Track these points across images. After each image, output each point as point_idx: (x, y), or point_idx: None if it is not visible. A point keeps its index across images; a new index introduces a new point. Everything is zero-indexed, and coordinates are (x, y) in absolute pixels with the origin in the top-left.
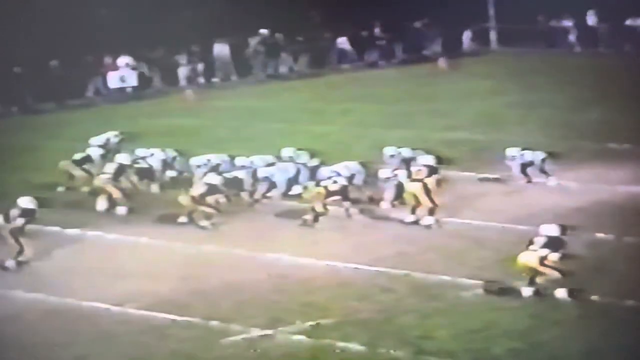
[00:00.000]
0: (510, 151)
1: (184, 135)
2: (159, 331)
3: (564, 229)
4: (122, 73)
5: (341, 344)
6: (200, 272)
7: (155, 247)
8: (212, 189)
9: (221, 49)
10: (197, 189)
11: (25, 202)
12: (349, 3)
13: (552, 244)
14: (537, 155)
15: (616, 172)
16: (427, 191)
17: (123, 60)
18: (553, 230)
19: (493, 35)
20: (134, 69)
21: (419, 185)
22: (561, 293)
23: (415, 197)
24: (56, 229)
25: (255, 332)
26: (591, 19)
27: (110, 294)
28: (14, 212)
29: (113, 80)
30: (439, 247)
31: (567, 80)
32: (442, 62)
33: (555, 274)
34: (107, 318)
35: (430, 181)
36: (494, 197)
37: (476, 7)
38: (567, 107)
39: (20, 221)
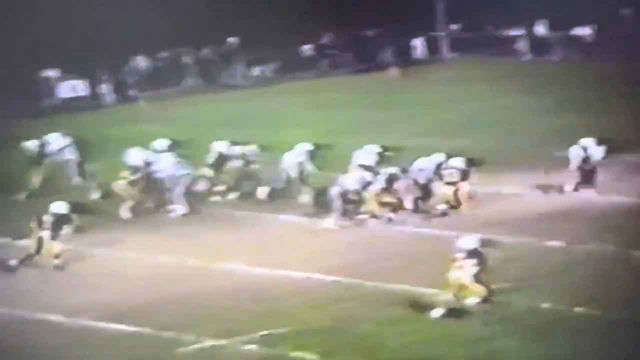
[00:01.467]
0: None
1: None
2: (112, 342)
3: (482, 241)
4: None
5: (294, 354)
6: (153, 283)
7: (109, 258)
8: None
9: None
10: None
11: (59, 207)
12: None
13: (474, 257)
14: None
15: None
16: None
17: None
18: (472, 242)
19: (444, 43)
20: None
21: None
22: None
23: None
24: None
25: (208, 342)
26: (541, 29)
27: (65, 305)
28: (47, 217)
29: (64, 90)
30: (393, 255)
31: (518, 88)
32: (393, 71)
33: (483, 289)
34: (60, 329)
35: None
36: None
37: (427, 15)
38: (517, 112)
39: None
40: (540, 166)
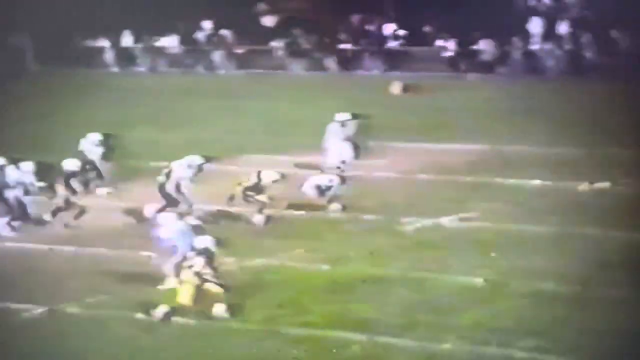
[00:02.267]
0: None
1: None
2: None
3: (217, 240)
4: None
5: None
6: None
7: None
8: None
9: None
10: None
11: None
12: None
13: (206, 256)
14: None
15: None
16: None
17: None
18: (205, 242)
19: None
20: None
21: None
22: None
23: None
24: None
25: None
26: (127, 39)
27: None
28: None
29: None
30: None
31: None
32: None
33: (217, 289)
34: None
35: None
36: None
37: None
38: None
39: None
40: None
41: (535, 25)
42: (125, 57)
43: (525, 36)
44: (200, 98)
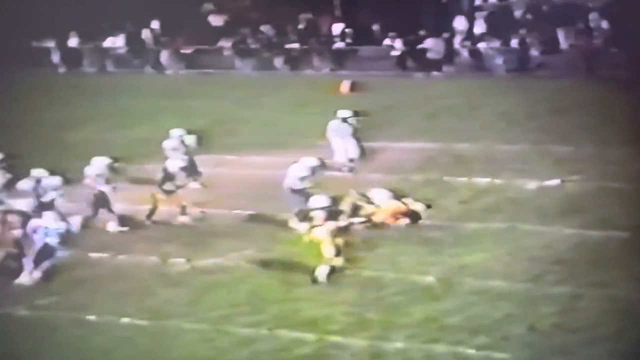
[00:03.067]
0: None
1: None
2: None
3: (334, 199)
4: None
5: None
6: None
7: None
8: None
9: None
10: None
11: None
12: None
13: (330, 215)
14: None
15: None
16: None
17: None
18: (324, 201)
19: None
20: None
21: None
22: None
23: None
24: None
25: None
26: (73, 41)
27: None
28: None
29: None
30: None
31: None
32: None
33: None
34: None
35: None
36: None
37: None
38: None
39: None
40: None
41: (460, 23)
42: (72, 58)
43: (471, 35)
44: (147, 98)
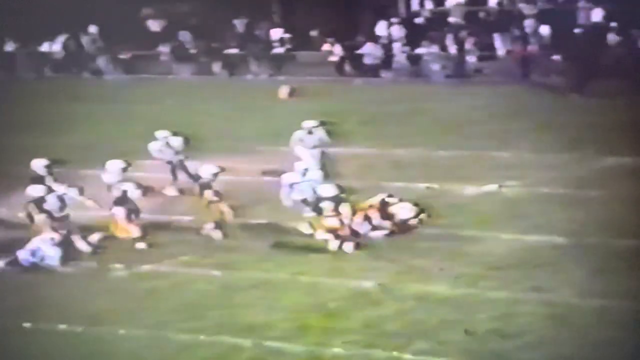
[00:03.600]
0: None
1: None
2: None
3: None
4: None
5: None
6: None
7: None
8: None
9: None
10: None
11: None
12: None
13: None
14: None
15: None
16: None
17: None
18: (332, 190)
19: None
20: None
21: None
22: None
23: None
24: None
25: None
26: (9, 46)
27: None
28: None
29: None
30: None
31: None
32: None
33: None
34: None
35: None
36: None
37: None
38: None
39: None
40: None
41: (381, 28)
42: (8, 63)
43: (410, 40)
44: (85, 103)
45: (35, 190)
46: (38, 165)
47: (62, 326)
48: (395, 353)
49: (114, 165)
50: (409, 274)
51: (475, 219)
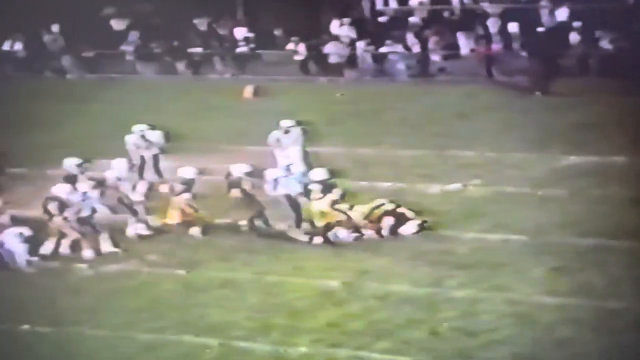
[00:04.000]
0: None
1: None
2: None
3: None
4: None
5: None
6: None
7: None
8: None
9: None
10: None
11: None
12: None
13: (327, 187)
14: None
15: None
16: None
17: None
18: (323, 174)
19: None
20: None
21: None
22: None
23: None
24: None
25: None
26: None
27: None
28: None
29: None
30: None
31: None
32: None
33: (343, 216)
34: None
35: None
36: None
37: None
38: None
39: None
40: None
41: (334, 26)
42: None
43: (376, 39)
44: (47, 103)
45: (60, 190)
46: (70, 163)
47: (25, 326)
48: (360, 352)
49: (69, 162)
50: (373, 274)
51: (439, 218)
